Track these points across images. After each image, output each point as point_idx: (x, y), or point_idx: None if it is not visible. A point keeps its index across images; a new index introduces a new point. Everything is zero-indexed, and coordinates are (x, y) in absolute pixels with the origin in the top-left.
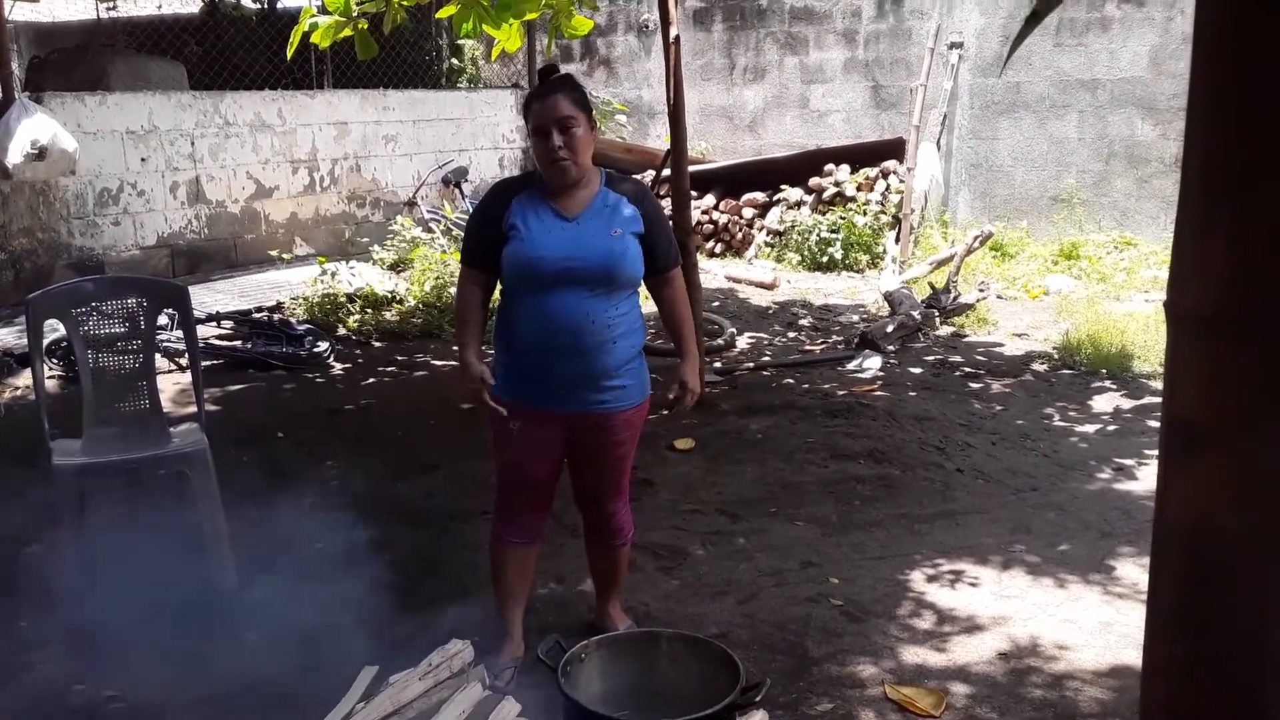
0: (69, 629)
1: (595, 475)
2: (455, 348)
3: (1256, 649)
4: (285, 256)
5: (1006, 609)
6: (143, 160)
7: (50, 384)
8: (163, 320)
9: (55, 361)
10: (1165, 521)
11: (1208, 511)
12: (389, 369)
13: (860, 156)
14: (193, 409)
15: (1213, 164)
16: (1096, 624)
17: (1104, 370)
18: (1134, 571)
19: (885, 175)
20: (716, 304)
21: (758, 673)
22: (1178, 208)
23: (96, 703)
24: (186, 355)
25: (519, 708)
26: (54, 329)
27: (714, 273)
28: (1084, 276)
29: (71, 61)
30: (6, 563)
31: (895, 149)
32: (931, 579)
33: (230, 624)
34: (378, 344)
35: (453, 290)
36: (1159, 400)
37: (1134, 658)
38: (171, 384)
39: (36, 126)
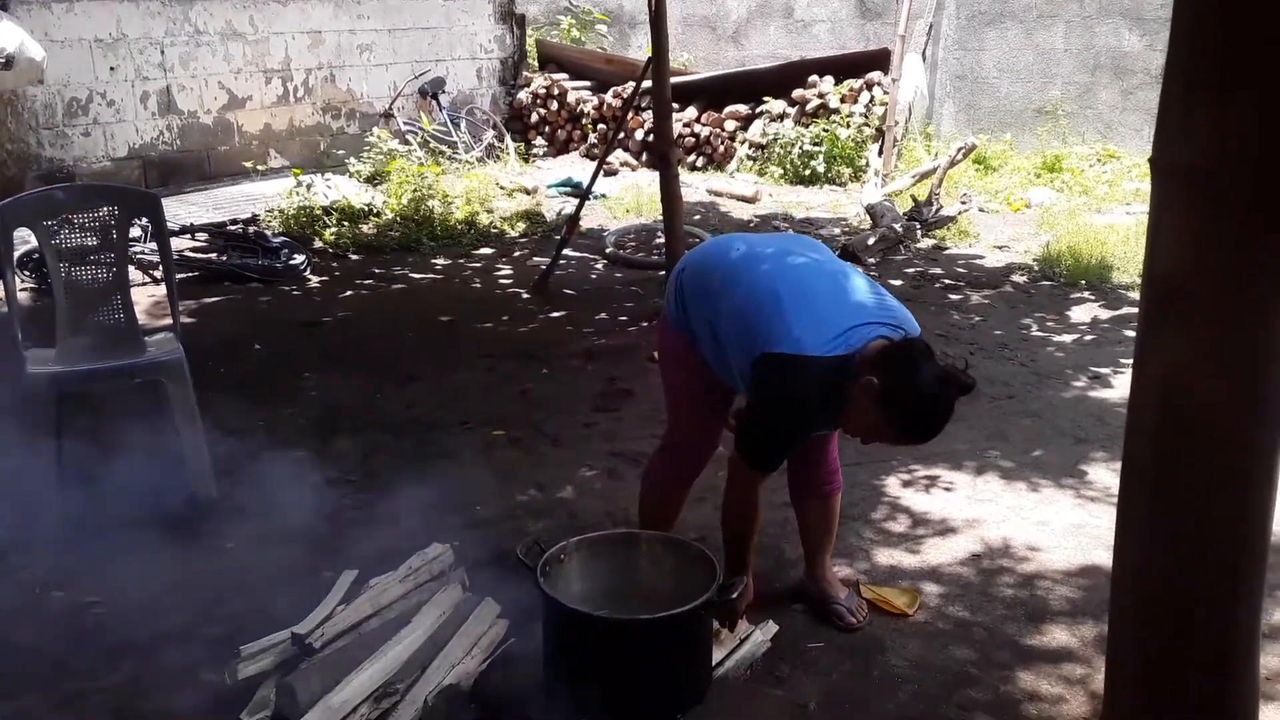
0: (47, 537)
1: None
2: (737, 562)
3: (1231, 510)
4: (259, 168)
5: (980, 512)
6: (111, 69)
7: (21, 296)
8: (135, 233)
9: (26, 274)
10: (1143, 381)
11: (1185, 369)
12: (366, 282)
13: (844, 68)
14: (167, 321)
15: (1203, 23)
16: (1068, 526)
17: (1083, 281)
18: (1106, 476)
19: (869, 87)
20: (697, 217)
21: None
22: (1165, 63)
23: (77, 608)
24: (160, 267)
25: (499, 608)
26: (24, 241)
27: (695, 186)
28: (1066, 189)
29: None
30: None
31: (880, 60)
32: (907, 484)
33: (210, 532)
34: (354, 257)
35: (432, 204)
36: (1137, 310)
37: (1104, 558)
38: (145, 296)
39: (3, 34)
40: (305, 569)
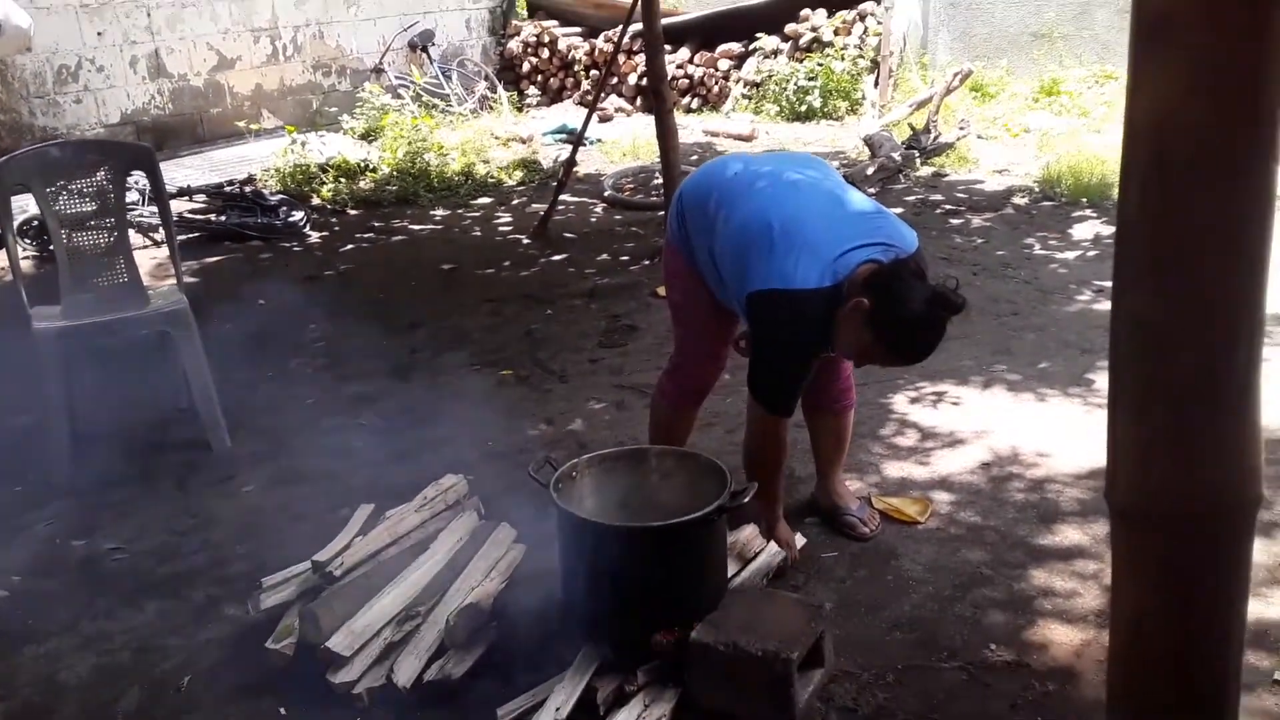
0: (62, 491)
1: None
2: (765, 500)
3: (1225, 244)
4: (253, 129)
5: (988, 423)
6: (99, 34)
7: (25, 265)
8: (133, 196)
9: (28, 242)
10: (1133, 119)
11: (1174, 103)
12: (366, 235)
13: (838, 0)
14: (172, 282)
15: None
16: (1077, 432)
17: (1084, 199)
18: None
19: (863, 18)
20: (695, 158)
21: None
22: None
23: (97, 556)
24: (160, 228)
25: (515, 532)
26: (23, 210)
27: (691, 128)
28: (1064, 112)
29: None
30: None
31: None
32: (914, 401)
33: (225, 478)
34: (353, 212)
35: (428, 157)
36: None
37: None
38: (148, 259)
39: None
40: (322, 508)
